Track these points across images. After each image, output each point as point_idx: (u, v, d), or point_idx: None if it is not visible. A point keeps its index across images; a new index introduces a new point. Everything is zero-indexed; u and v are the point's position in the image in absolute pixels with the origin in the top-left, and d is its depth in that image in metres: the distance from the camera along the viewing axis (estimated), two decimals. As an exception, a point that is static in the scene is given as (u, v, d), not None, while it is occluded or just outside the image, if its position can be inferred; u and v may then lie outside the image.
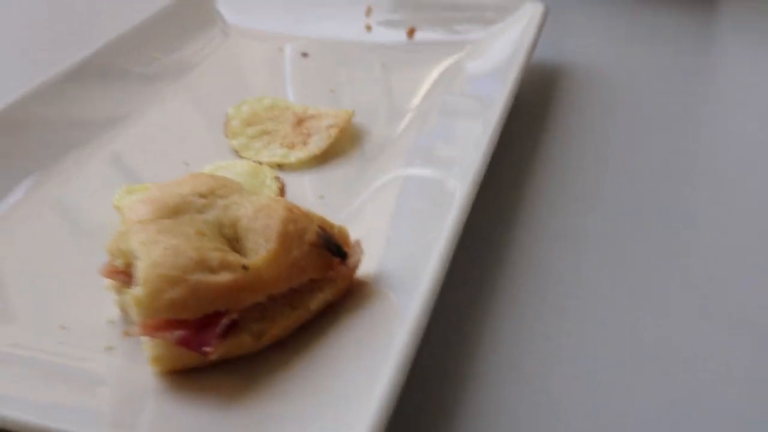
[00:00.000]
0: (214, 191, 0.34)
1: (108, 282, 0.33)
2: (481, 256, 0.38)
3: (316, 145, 0.43)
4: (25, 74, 0.54)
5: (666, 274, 0.37)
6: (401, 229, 0.37)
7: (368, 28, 0.56)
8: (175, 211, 0.33)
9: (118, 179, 0.42)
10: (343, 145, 0.44)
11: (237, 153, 0.44)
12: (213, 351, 0.29)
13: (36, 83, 0.46)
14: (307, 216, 0.33)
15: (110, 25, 0.54)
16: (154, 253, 0.30)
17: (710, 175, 0.44)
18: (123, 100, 0.48)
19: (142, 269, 0.30)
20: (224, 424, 0.28)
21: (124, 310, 0.33)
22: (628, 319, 0.34)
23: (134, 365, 0.31)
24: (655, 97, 0.52)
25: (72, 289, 0.35)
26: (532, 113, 0.50)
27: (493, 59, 0.52)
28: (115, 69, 0.50)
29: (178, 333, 0.29)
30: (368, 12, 0.57)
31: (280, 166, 0.43)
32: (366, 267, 0.34)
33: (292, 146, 0.43)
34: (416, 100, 0.49)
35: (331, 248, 0.31)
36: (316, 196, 0.40)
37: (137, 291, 0.30)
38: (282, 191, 0.40)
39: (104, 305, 0.34)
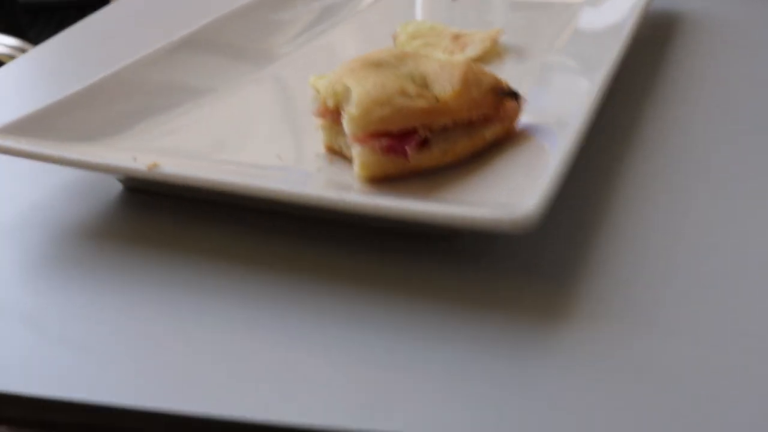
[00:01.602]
0: (406, 56, 0.42)
1: (318, 122, 0.42)
2: (611, 134, 0.45)
3: (473, 50, 0.52)
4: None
5: None
6: (547, 102, 0.45)
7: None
8: (377, 65, 0.41)
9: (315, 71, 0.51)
10: (492, 57, 0.53)
11: (404, 60, 0.53)
12: (411, 156, 0.37)
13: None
14: (483, 71, 0.41)
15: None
16: (366, 84, 0.39)
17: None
18: (281, 33, 0.58)
19: (356, 95, 0.38)
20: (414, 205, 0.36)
21: (329, 146, 0.42)
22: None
23: (341, 178, 0.40)
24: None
25: (284, 135, 0.44)
26: (649, 54, 0.57)
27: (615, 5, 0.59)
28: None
29: (385, 141, 0.38)
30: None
31: (441, 68, 0.51)
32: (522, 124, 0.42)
33: (451, 53, 0.52)
34: (548, 30, 0.57)
35: (504, 90, 0.40)
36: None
37: (352, 110, 0.38)
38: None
39: (311, 146, 0.43)
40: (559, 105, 0.44)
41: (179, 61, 0.51)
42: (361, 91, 0.39)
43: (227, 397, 0.30)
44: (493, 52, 0.53)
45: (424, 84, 0.41)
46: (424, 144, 0.38)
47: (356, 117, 0.38)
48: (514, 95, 0.40)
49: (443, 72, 0.41)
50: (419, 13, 0.63)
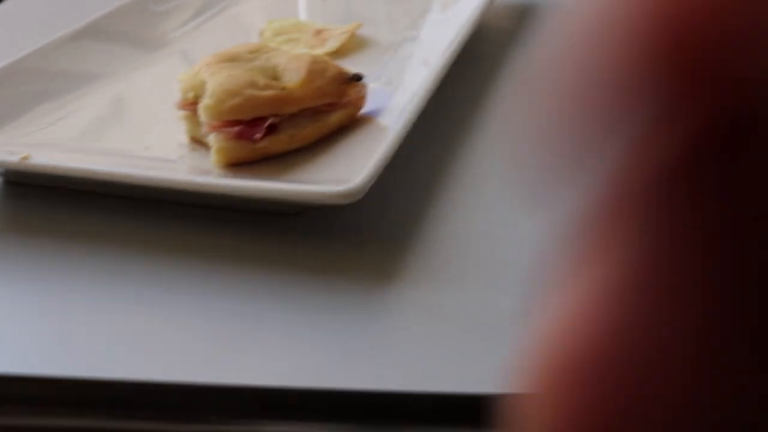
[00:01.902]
0: (260, 49, 0.46)
1: (181, 114, 0.46)
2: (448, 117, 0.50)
3: (333, 44, 0.56)
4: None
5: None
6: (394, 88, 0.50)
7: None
8: (232, 59, 0.45)
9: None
10: (350, 49, 0.57)
11: (269, 54, 0.57)
12: (260, 140, 0.42)
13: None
14: (328, 62, 0.45)
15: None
16: (220, 77, 0.43)
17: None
18: (170, 22, 0.61)
19: (210, 87, 0.42)
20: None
21: (191, 136, 0.46)
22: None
23: (201, 164, 0.44)
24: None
25: (154, 125, 0.48)
26: (500, 44, 0.62)
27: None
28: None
29: (236, 128, 0.42)
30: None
31: (303, 61, 0.55)
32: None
33: (313, 47, 0.56)
34: (406, 22, 0.62)
35: (348, 78, 0.44)
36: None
37: (206, 101, 0.42)
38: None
39: (177, 136, 0.46)
40: (405, 90, 0.49)
41: (63, 53, 0.53)
42: (214, 84, 0.42)
43: (93, 359, 0.33)
44: (352, 44, 0.57)
45: (273, 76, 0.45)
46: (272, 130, 0.42)
47: (210, 107, 0.42)
48: (358, 82, 0.45)
49: (291, 64, 0.45)
50: (295, 8, 0.67)
